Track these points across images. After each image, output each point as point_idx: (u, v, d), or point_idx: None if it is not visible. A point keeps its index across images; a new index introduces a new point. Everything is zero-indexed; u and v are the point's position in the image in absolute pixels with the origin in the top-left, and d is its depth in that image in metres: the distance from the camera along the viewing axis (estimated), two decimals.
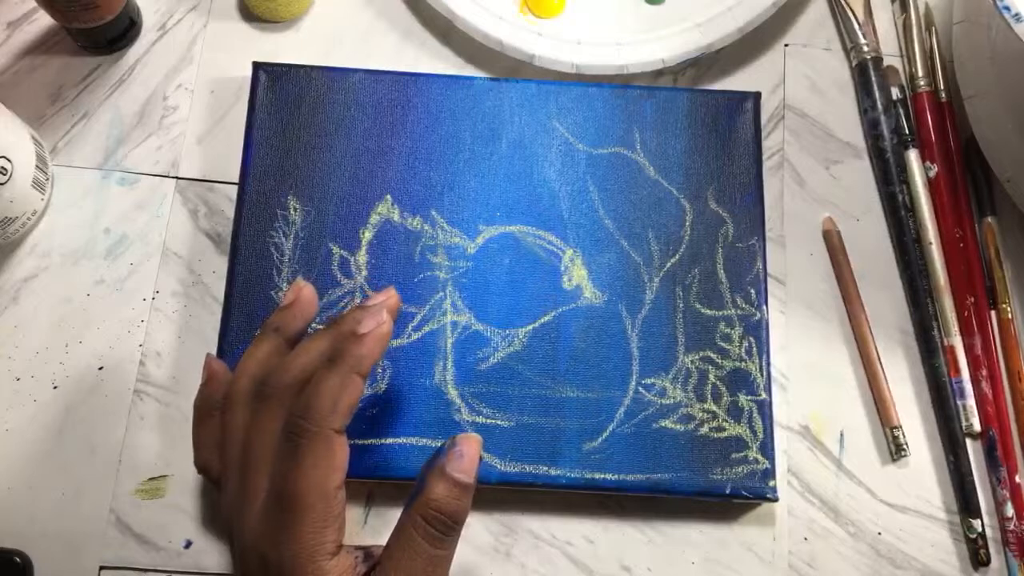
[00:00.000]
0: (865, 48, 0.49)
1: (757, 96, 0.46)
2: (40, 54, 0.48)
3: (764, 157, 0.47)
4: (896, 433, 0.44)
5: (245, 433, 0.33)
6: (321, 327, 0.36)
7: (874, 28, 0.50)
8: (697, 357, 0.42)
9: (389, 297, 0.34)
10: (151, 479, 0.42)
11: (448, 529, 0.32)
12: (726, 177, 0.45)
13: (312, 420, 0.31)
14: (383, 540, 0.33)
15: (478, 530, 0.42)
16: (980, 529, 0.42)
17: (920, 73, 0.49)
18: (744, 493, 0.41)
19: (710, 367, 0.42)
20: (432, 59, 0.49)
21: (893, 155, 0.47)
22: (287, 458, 0.31)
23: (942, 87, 0.49)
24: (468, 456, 0.32)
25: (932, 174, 0.47)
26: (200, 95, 0.48)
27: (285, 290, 0.42)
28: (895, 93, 0.49)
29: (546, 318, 0.43)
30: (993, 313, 0.46)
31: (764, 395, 0.42)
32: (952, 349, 0.45)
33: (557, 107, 0.46)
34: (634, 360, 0.42)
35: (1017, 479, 0.43)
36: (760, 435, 0.41)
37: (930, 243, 0.46)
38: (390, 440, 0.41)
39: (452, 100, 0.46)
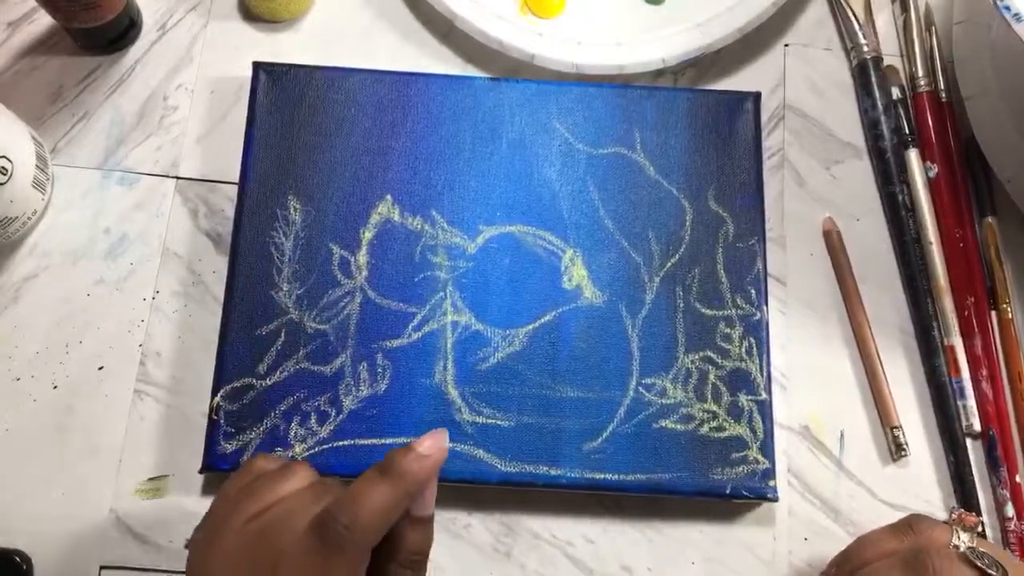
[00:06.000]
0: (865, 48, 0.49)
1: (757, 96, 0.46)
2: (40, 54, 0.48)
3: (764, 157, 0.47)
4: (896, 433, 0.44)
5: (271, 482, 0.32)
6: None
7: (874, 28, 0.50)
8: (697, 357, 0.42)
9: (440, 440, 0.31)
10: (151, 479, 0.42)
11: (422, 563, 0.33)
12: (726, 177, 0.45)
13: (354, 528, 0.29)
14: None
15: (478, 530, 0.42)
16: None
17: (920, 73, 0.49)
18: (744, 493, 0.41)
19: (710, 367, 0.42)
20: (432, 59, 0.49)
21: (893, 155, 0.47)
22: (313, 561, 0.29)
23: (942, 87, 0.49)
24: (427, 494, 0.32)
25: (932, 174, 0.47)
26: (200, 95, 0.48)
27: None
28: (895, 93, 0.49)
29: (546, 318, 0.43)
30: (993, 313, 0.46)
31: (764, 395, 0.42)
32: (952, 349, 0.45)
33: (557, 107, 0.46)
34: (634, 360, 0.42)
35: (1017, 479, 0.43)
36: (760, 435, 0.41)
37: (930, 243, 0.46)
38: (390, 440, 0.41)
39: (452, 100, 0.46)
